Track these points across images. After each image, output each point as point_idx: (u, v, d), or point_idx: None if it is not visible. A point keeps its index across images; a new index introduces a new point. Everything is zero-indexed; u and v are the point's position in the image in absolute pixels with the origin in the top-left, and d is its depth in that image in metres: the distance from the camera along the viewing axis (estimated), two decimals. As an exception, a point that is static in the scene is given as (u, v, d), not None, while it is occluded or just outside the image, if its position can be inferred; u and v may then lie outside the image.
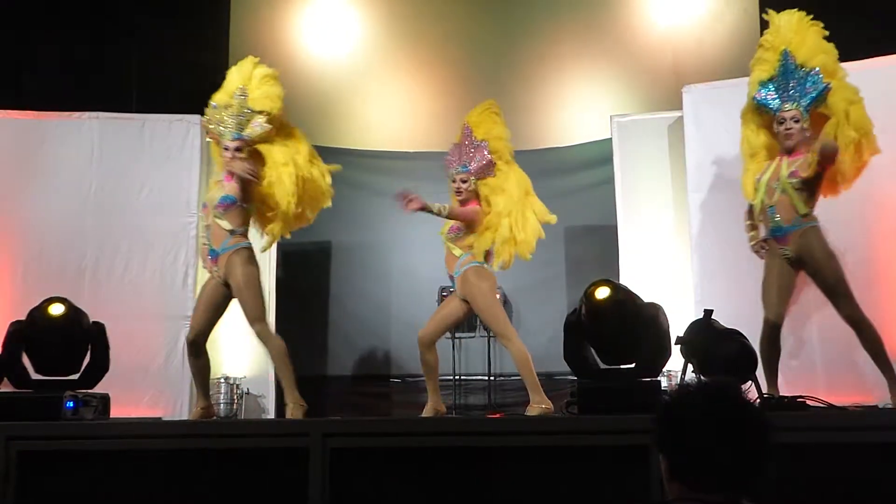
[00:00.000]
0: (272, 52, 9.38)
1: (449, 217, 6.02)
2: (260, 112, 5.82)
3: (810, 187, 5.36)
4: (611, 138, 8.20)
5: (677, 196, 7.61)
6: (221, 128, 5.83)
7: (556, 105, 9.31)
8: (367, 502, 4.05)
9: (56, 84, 8.48)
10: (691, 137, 7.32)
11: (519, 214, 6.06)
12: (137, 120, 7.88)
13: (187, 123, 7.77)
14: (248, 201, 5.82)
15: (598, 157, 8.68)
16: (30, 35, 8.55)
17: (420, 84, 9.31)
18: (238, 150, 5.75)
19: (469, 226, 6.00)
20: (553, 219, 6.19)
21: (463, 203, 6.07)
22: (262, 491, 4.08)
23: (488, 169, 6.12)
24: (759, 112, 5.61)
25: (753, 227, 5.70)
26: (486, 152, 6.12)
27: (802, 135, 5.42)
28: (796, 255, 5.35)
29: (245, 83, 5.91)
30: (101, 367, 5.17)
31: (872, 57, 6.95)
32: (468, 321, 8.59)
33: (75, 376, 5.10)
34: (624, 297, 4.70)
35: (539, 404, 5.56)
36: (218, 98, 5.94)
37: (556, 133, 9.25)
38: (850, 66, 5.85)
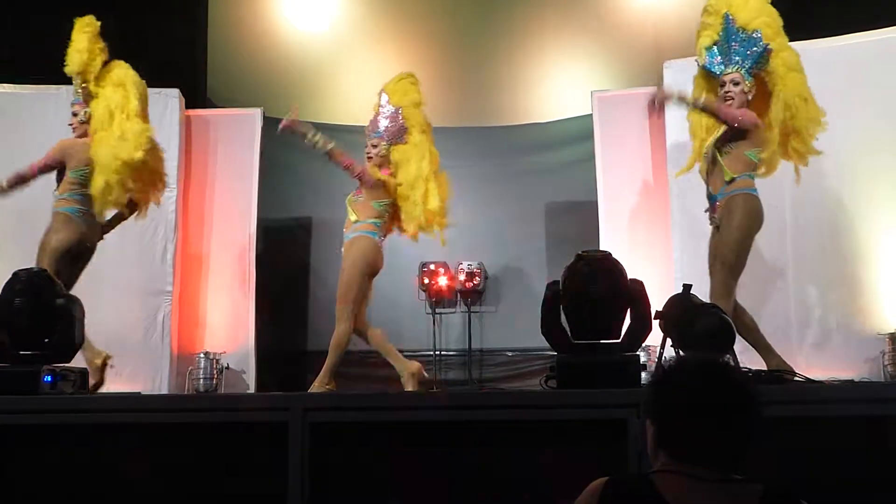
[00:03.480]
0: (251, 24, 9.34)
1: (332, 158, 6.05)
2: (76, 73, 6.14)
3: (739, 154, 5.27)
4: (591, 114, 8.20)
5: (658, 172, 7.63)
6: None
7: (537, 80, 9.30)
8: (347, 476, 4.05)
9: (33, 57, 8.36)
10: (672, 113, 7.31)
11: (429, 186, 6.17)
12: (115, 93, 7.79)
13: (165, 96, 7.71)
14: None
15: (578, 133, 8.69)
16: (4, 7, 8.44)
17: (401, 59, 9.24)
18: (74, 114, 6.20)
19: (369, 192, 6.07)
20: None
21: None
22: (241, 465, 4.08)
23: (400, 134, 6.23)
24: (708, 78, 5.58)
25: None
26: (399, 118, 6.23)
27: (744, 98, 5.37)
28: (719, 223, 5.30)
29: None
30: (68, 341, 5.09)
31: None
32: (446, 299, 8.66)
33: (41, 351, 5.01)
34: (610, 268, 4.69)
35: (324, 384, 5.81)
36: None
37: (537, 108, 9.25)
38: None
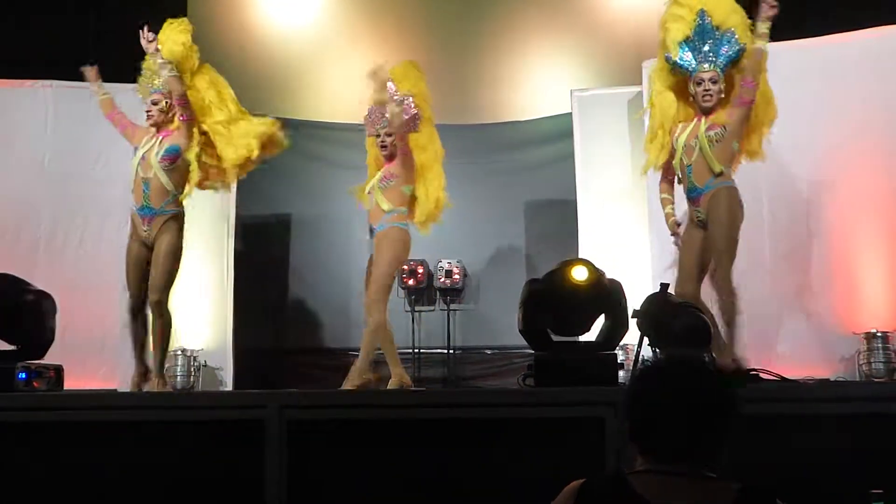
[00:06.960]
0: (231, 21, 9.29)
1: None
2: (168, 62, 5.82)
3: (727, 145, 5.33)
4: (571, 113, 8.21)
5: (636, 171, 7.63)
6: (148, 88, 5.94)
7: (517, 79, 9.30)
8: (325, 474, 4.05)
9: (10, 52, 8.31)
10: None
11: (437, 178, 6.10)
12: (93, 89, 7.75)
13: (144, 93, 7.66)
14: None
15: (557, 132, 8.69)
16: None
17: (381, 56, 9.19)
18: (154, 103, 5.82)
19: (401, 177, 5.92)
20: (446, 203, 6.19)
21: (389, 159, 5.97)
22: (218, 463, 4.07)
23: (413, 123, 6.02)
24: (673, 72, 5.57)
25: (670, 202, 5.65)
26: (411, 106, 6.02)
27: (719, 96, 5.41)
28: (705, 217, 5.31)
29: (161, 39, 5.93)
30: (40, 337, 5.02)
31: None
32: (427, 294, 8.61)
33: (14, 347, 4.96)
34: (595, 278, 4.71)
35: (399, 378, 5.65)
36: (146, 64, 6.03)
37: (516, 107, 9.25)
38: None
